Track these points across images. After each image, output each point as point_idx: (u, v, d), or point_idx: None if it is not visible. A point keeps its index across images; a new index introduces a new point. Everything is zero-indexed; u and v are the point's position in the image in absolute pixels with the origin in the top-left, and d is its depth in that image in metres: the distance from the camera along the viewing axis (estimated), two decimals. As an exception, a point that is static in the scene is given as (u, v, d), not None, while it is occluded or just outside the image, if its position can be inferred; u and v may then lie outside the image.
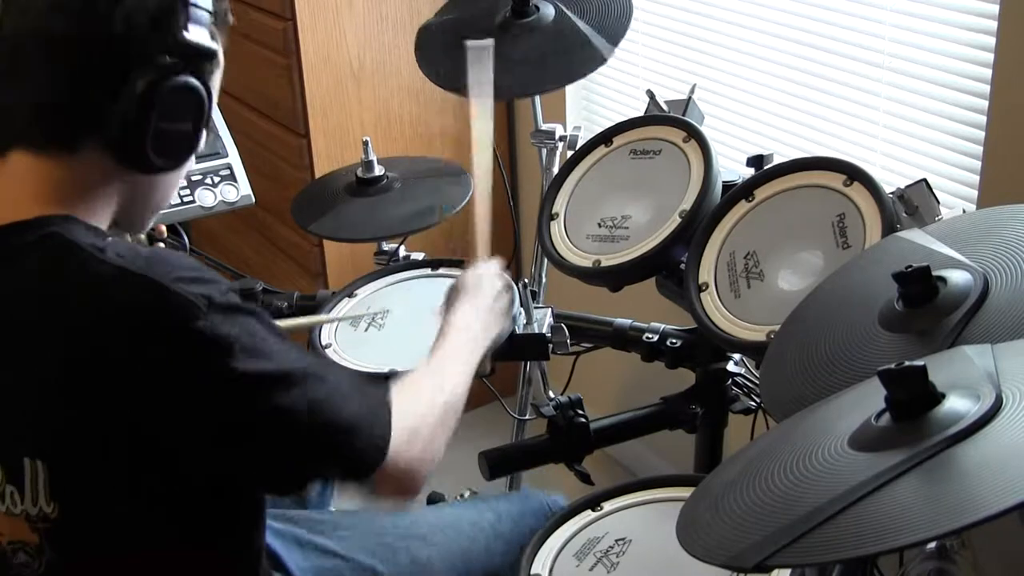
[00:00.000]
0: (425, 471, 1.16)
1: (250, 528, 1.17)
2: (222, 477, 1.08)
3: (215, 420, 1.04)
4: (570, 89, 2.54)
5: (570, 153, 1.81)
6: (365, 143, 1.93)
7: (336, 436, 1.09)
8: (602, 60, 1.83)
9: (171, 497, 1.07)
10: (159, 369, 1.00)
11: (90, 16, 1.03)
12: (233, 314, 1.03)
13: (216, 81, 1.14)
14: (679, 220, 1.57)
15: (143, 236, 1.81)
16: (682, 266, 1.57)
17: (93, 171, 1.07)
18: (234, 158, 1.79)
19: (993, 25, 1.64)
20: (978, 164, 1.72)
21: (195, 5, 1.07)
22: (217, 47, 1.12)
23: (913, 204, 1.42)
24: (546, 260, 1.88)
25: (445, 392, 1.24)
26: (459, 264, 1.74)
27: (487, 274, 1.46)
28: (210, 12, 1.09)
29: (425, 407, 1.20)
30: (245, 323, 1.03)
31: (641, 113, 1.81)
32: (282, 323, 1.69)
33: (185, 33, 1.06)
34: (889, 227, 1.37)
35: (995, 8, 1.63)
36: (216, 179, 1.77)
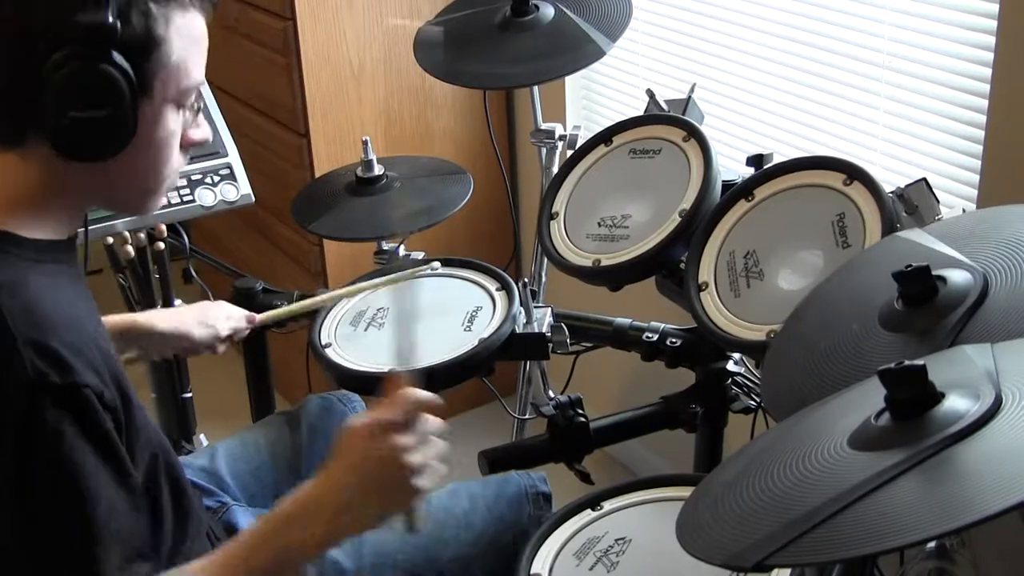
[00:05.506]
0: None
1: None
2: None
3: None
4: (570, 88, 2.53)
5: (570, 152, 1.81)
6: (365, 143, 1.93)
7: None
8: (600, 54, 1.83)
9: None
10: None
11: None
12: (60, 408, 0.98)
13: (163, 62, 1.06)
14: (679, 219, 1.57)
15: (143, 236, 1.83)
16: (682, 265, 1.57)
17: (43, 162, 1.07)
18: (234, 158, 1.79)
19: (993, 25, 1.64)
20: (978, 164, 1.72)
21: None
22: (145, 27, 1.04)
23: (913, 203, 1.42)
24: (546, 260, 1.88)
25: None
26: (459, 264, 1.74)
27: (376, 429, 1.08)
28: None
29: None
30: (65, 422, 0.99)
31: (641, 112, 1.81)
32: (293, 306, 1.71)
33: (77, 16, 1.00)
34: (889, 226, 1.37)
35: (995, 8, 1.63)
36: (216, 179, 1.77)
